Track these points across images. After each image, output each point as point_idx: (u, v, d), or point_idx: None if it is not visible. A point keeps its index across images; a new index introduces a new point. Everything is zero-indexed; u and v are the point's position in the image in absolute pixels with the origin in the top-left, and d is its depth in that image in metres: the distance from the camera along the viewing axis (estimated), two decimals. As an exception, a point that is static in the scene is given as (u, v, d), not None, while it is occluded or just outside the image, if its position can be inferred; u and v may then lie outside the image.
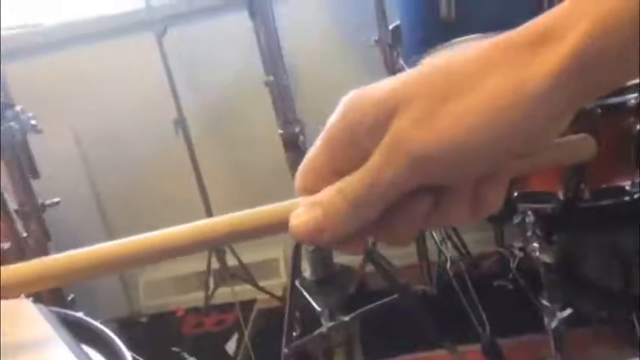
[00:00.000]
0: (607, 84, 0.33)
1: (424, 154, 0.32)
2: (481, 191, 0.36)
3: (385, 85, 0.34)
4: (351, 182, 0.34)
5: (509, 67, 0.32)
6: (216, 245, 0.39)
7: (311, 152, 0.36)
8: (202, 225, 0.38)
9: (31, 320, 0.53)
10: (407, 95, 0.33)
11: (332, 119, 0.35)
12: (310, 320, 1.76)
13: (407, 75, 0.34)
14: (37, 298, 0.62)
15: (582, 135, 0.39)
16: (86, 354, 0.48)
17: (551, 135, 0.34)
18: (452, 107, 0.32)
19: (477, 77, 0.32)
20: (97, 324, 0.54)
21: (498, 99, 0.31)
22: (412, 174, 0.33)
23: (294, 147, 1.70)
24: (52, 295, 1.56)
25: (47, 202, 1.60)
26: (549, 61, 0.31)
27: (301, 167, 0.37)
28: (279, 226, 0.37)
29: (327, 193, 0.35)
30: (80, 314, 0.57)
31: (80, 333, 0.54)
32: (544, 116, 0.32)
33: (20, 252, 1.52)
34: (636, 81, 1.06)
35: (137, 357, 0.60)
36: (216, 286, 2.29)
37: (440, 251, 2.08)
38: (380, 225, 0.36)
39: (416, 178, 0.33)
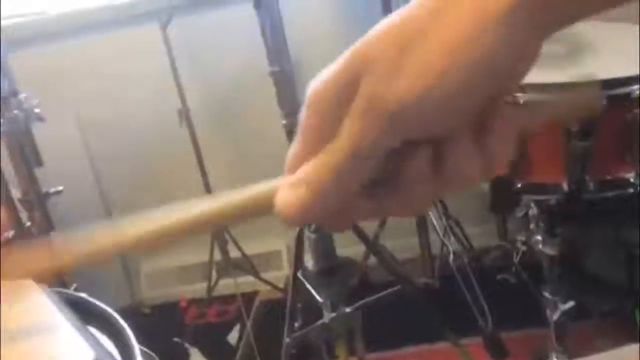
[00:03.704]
0: (573, 10, 0.32)
1: (398, 108, 0.31)
2: (485, 144, 0.34)
3: (341, 57, 0.33)
4: (331, 152, 0.33)
5: (465, 1, 0.30)
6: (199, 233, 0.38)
7: (291, 147, 0.36)
8: (183, 216, 0.37)
9: (36, 301, 0.53)
10: (368, 56, 0.32)
11: (302, 111, 0.35)
12: (312, 311, 1.76)
13: (364, 38, 0.33)
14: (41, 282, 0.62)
15: (586, 90, 0.38)
16: (91, 334, 0.48)
17: (522, 68, 0.33)
18: (416, 55, 0.31)
19: (435, 17, 0.31)
20: (101, 304, 0.54)
21: (459, 35, 0.30)
22: (392, 131, 0.32)
23: (298, 138, 1.69)
24: (55, 284, 1.56)
25: (51, 190, 1.60)
26: None
27: (286, 164, 0.36)
28: (265, 209, 0.36)
29: (308, 168, 0.34)
30: (84, 295, 0.57)
31: (84, 314, 0.54)
32: (508, 44, 0.30)
33: (24, 241, 1.52)
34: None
35: (140, 347, 0.60)
36: (218, 277, 2.29)
37: (443, 244, 2.08)
38: (389, 194, 0.35)
39: (397, 135, 0.32)
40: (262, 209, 0.36)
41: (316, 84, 0.34)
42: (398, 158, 0.34)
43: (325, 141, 0.33)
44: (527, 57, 0.32)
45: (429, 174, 0.34)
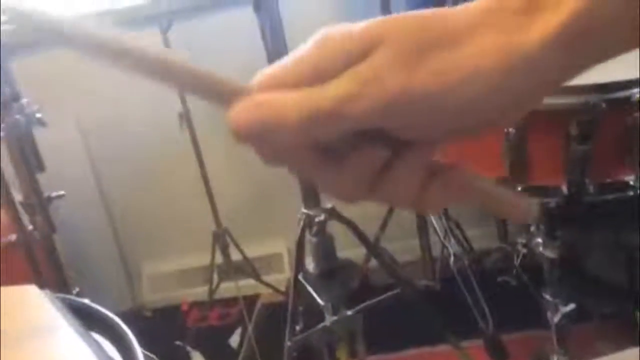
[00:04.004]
0: (597, 55, 0.33)
1: (402, 96, 0.31)
2: (430, 181, 0.35)
3: (368, 21, 0.33)
4: (312, 95, 0.32)
5: (500, 28, 0.31)
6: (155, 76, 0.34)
7: (277, 64, 0.34)
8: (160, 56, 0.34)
9: (38, 306, 0.53)
10: (390, 34, 0.32)
11: (306, 43, 0.33)
12: (314, 314, 1.76)
13: (395, 17, 0.33)
14: (42, 288, 0.62)
15: (524, 199, 0.38)
16: (93, 339, 0.48)
17: (525, 107, 0.33)
18: (436, 59, 0.31)
19: (468, 33, 0.31)
20: (103, 310, 0.54)
21: (485, 57, 0.31)
22: (383, 112, 0.31)
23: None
24: (56, 287, 1.56)
25: (53, 194, 1.60)
26: (542, 27, 0.31)
27: (263, 72, 0.34)
28: (224, 100, 0.34)
29: (281, 96, 0.32)
30: (86, 300, 0.57)
31: (86, 319, 0.54)
32: (529, 82, 0.32)
33: (26, 245, 1.53)
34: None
35: (142, 350, 0.60)
36: (220, 280, 2.29)
37: (443, 246, 2.08)
38: (328, 163, 0.34)
39: (384, 118, 0.32)
40: (217, 100, 0.34)
41: (331, 29, 0.33)
42: (358, 141, 0.33)
43: (309, 81, 0.32)
44: (539, 98, 0.33)
45: (373, 172, 0.34)
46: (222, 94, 0.34)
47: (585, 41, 0.31)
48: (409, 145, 0.34)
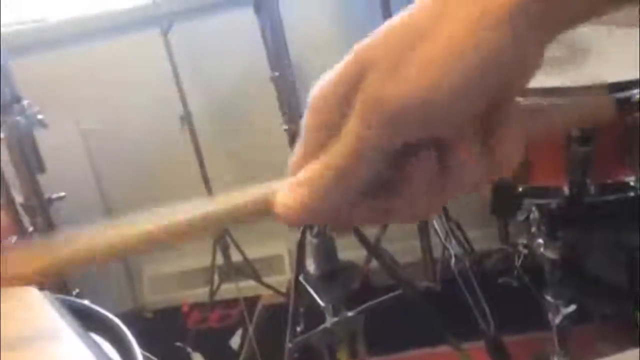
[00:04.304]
0: (575, 12, 0.32)
1: (398, 108, 0.31)
2: (492, 148, 0.34)
3: (344, 60, 0.33)
4: (333, 152, 0.33)
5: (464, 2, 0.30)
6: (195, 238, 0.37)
7: (294, 151, 0.35)
8: (182, 217, 0.37)
9: (38, 308, 0.53)
10: (369, 57, 0.32)
11: (304, 114, 0.35)
12: (314, 315, 1.76)
13: (366, 40, 0.33)
14: (43, 289, 0.62)
15: (597, 96, 0.37)
16: (94, 341, 0.48)
17: (525, 71, 0.33)
18: (418, 56, 0.31)
19: (437, 19, 0.31)
20: (103, 311, 0.54)
21: (462, 35, 0.30)
22: (393, 132, 0.32)
23: (299, 143, 1.69)
24: (56, 289, 1.56)
25: (53, 196, 1.60)
26: None
27: (289, 167, 0.36)
28: (265, 211, 0.35)
29: (310, 168, 0.34)
30: (86, 302, 0.57)
31: (87, 321, 0.54)
32: (511, 44, 0.30)
33: (24, 245, 1.53)
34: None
35: (142, 351, 0.60)
36: (221, 282, 2.29)
37: (444, 247, 2.08)
38: (392, 197, 0.35)
39: (399, 136, 0.32)
40: (262, 210, 0.36)
41: (318, 86, 0.34)
42: (402, 160, 0.34)
43: (326, 142, 0.33)
44: (531, 59, 0.32)
45: (434, 177, 0.34)
46: (261, 206, 0.36)
47: None
48: (445, 135, 0.34)
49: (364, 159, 0.32)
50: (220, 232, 2.19)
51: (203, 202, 0.38)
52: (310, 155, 0.34)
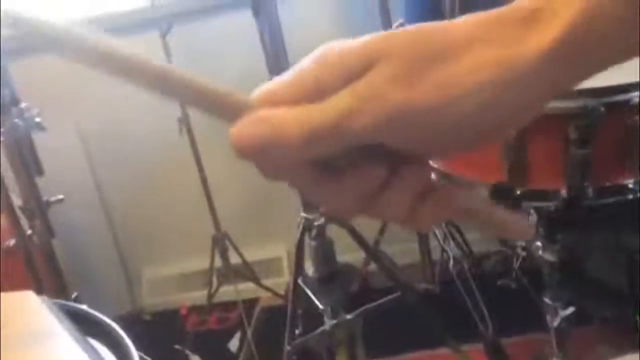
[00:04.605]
0: (594, 66, 0.33)
1: (403, 110, 0.31)
2: (422, 198, 0.35)
3: (367, 37, 0.33)
4: (312, 112, 0.32)
5: (498, 41, 0.32)
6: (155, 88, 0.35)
7: (277, 79, 0.34)
8: (162, 68, 0.34)
9: (36, 312, 0.53)
10: (390, 50, 0.32)
11: (306, 59, 0.34)
12: (313, 318, 1.76)
13: (393, 32, 0.33)
14: (41, 294, 0.62)
15: (519, 217, 0.39)
16: (91, 346, 0.48)
17: (525, 117, 0.34)
18: (437, 72, 0.31)
19: (465, 46, 0.32)
20: (100, 316, 0.54)
21: (484, 70, 0.31)
22: (384, 127, 0.32)
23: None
24: (55, 292, 1.56)
25: (52, 199, 1.60)
26: (539, 40, 0.31)
27: (263, 87, 0.34)
28: (224, 115, 0.34)
29: (282, 113, 0.33)
30: (84, 307, 0.57)
31: (84, 325, 0.54)
32: (527, 94, 0.32)
33: (25, 249, 1.53)
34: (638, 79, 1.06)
35: (140, 354, 0.60)
36: (219, 284, 2.29)
37: (443, 250, 2.08)
38: (327, 179, 0.35)
39: (385, 133, 0.32)
40: (218, 109, 0.35)
41: (331, 45, 0.34)
42: (360, 155, 0.34)
43: (309, 97, 0.33)
44: (536, 109, 0.34)
45: (370, 189, 0.34)
46: (222, 107, 0.35)
47: (582, 53, 0.31)
48: (406, 162, 0.34)
49: (338, 134, 0.32)
50: (221, 235, 2.19)
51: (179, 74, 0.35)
52: (286, 95, 0.33)
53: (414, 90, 0.31)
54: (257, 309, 2.37)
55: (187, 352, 2.15)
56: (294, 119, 0.32)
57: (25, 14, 0.33)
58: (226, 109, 0.34)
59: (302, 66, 0.34)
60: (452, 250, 2.05)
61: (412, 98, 0.31)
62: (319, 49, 0.34)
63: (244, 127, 0.33)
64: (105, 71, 0.34)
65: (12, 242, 1.52)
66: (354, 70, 0.32)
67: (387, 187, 0.34)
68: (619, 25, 0.30)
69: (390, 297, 1.76)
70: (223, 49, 2.23)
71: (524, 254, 1.76)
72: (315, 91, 0.33)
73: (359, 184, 0.34)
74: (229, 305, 2.34)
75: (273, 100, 0.33)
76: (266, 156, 0.33)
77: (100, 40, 0.34)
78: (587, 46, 0.31)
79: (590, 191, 1.16)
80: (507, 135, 0.36)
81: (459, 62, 0.31)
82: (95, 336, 0.54)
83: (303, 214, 1.70)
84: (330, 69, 0.33)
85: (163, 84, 0.35)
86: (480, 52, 0.31)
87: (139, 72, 0.35)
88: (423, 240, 2.15)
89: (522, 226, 0.39)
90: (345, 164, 0.34)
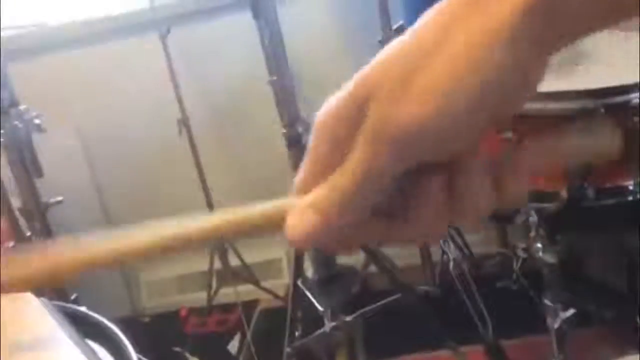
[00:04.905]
0: (576, 26, 0.32)
1: (405, 131, 0.31)
2: (499, 178, 0.34)
3: (349, 83, 0.34)
4: (340, 177, 0.33)
5: (470, 19, 0.30)
6: (207, 244, 0.38)
7: (299, 172, 0.36)
8: (192, 225, 0.38)
9: (35, 315, 0.53)
10: (373, 81, 0.32)
11: (311, 136, 0.35)
12: (313, 320, 1.76)
13: (372, 62, 0.33)
14: (40, 295, 0.62)
15: (607, 127, 0.38)
16: (90, 349, 0.48)
17: (528, 86, 0.32)
18: (422, 78, 0.31)
19: (440, 41, 0.31)
20: (100, 318, 0.54)
21: (465, 56, 0.30)
22: (399, 155, 0.32)
23: (298, 147, 1.70)
24: (55, 293, 1.56)
25: (51, 201, 1.60)
26: (510, 1, 0.30)
27: (295, 188, 0.36)
28: (274, 228, 0.36)
29: (319, 192, 0.34)
30: (83, 308, 0.57)
31: (83, 327, 0.54)
32: (514, 62, 0.30)
33: (23, 250, 1.52)
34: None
35: (140, 356, 0.60)
36: (219, 286, 2.29)
37: (443, 251, 2.08)
38: (399, 220, 0.35)
39: (405, 159, 0.32)
40: (268, 228, 0.36)
41: (324, 110, 0.34)
42: (410, 183, 0.34)
43: (334, 166, 0.34)
44: (534, 74, 0.32)
45: (441, 202, 0.34)
46: (275, 222, 0.36)
47: (562, 5, 0.30)
48: (456, 157, 0.34)
49: (370, 183, 0.33)
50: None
51: (208, 215, 0.38)
52: (316, 177, 0.35)
53: (402, 111, 0.31)
54: (257, 311, 2.36)
55: (187, 354, 2.15)
56: (328, 192, 0.34)
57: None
58: (279, 222, 0.36)
59: (312, 144, 0.35)
60: (452, 252, 2.04)
61: (404, 119, 0.31)
62: (316, 121, 0.35)
63: (292, 224, 0.35)
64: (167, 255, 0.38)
65: (11, 243, 1.52)
66: (355, 119, 0.33)
67: (455, 185, 0.34)
68: None
69: (390, 299, 1.76)
70: (223, 50, 2.24)
71: (524, 255, 1.76)
72: (336, 158, 0.34)
73: (427, 200, 0.34)
74: (228, 307, 2.34)
75: (307, 189, 0.35)
76: (327, 237, 0.35)
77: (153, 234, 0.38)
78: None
79: (590, 192, 1.16)
80: (520, 106, 0.34)
81: (432, 63, 0.31)
82: (94, 338, 0.54)
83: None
84: (334, 132, 0.34)
85: (212, 237, 0.39)
86: (450, 43, 0.30)
87: (185, 243, 0.38)
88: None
89: (609, 137, 0.38)
90: (402, 196, 0.34)
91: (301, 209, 0.35)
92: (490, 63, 0.30)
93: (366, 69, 0.33)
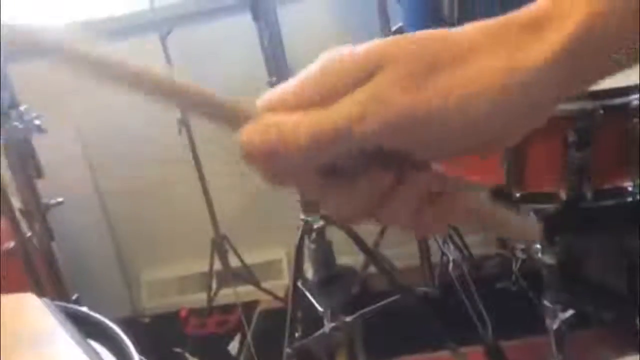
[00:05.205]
0: (599, 72, 0.33)
1: (408, 116, 0.31)
2: (430, 208, 0.36)
3: (371, 43, 0.34)
4: (318, 117, 0.33)
5: (504, 48, 0.32)
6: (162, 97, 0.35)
7: (281, 86, 0.35)
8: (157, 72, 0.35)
9: (37, 314, 0.53)
10: (395, 54, 0.32)
11: (310, 66, 0.34)
12: (313, 321, 1.76)
13: (397, 38, 0.33)
14: (42, 295, 0.62)
15: (528, 217, 0.40)
16: (92, 348, 0.48)
17: (527, 126, 0.34)
18: (443, 77, 0.32)
19: (471, 52, 0.32)
20: (102, 318, 0.54)
21: (490, 77, 0.31)
22: (389, 132, 0.32)
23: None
24: (56, 294, 1.56)
25: (51, 201, 1.60)
26: (544, 46, 0.31)
27: (269, 93, 0.35)
28: (230, 122, 0.35)
29: (289, 119, 0.33)
30: (84, 309, 0.57)
31: (85, 327, 0.54)
32: (531, 100, 0.32)
33: (24, 252, 1.52)
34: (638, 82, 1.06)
35: (140, 357, 0.60)
36: (219, 287, 2.29)
37: (442, 253, 2.08)
38: (334, 185, 0.35)
39: (390, 138, 0.32)
40: (224, 120, 0.35)
41: (335, 51, 0.34)
42: (367, 161, 0.34)
43: (314, 103, 0.33)
44: (543, 114, 0.34)
45: (378, 194, 0.35)
46: (228, 115, 0.35)
47: (587, 59, 0.32)
48: (412, 167, 0.35)
49: (345, 141, 0.32)
50: (219, 239, 2.19)
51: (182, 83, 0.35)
52: (292, 102, 0.34)
53: (417, 96, 0.31)
54: (257, 312, 2.36)
55: (187, 354, 2.15)
56: (300, 125, 0.33)
57: (22, 27, 0.33)
58: (232, 117, 0.35)
59: (307, 73, 0.34)
60: (451, 253, 2.05)
61: (416, 104, 0.31)
62: (323, 56, 0.34)
63: (253, 133, 0.34)
64: (100, 78, 0.34)
65: (11, 244, 1.52)
66: (359, 76, 0.33)
67: (393, 192, 0.35)
68: (626, 31, 0.31)
69: (389, 299, 1.76)
70: (223, 52, 2.24)
71: (523, 256, 1.76)
72: (321, 97, 0.33)
73: (366, 189, 0.35)
74: (228, 308, 2.34)
75: (279, 107, 0.34)
76: (274, 161, 0.34)
77: (95, 48, 0.34)
78: (592, 52, 0.31)
79: (589, 194, 1.16)
80: (511, 142, 0.35)
81: (463, 68, 0.32)
82: (96, 338, 0.54)
83: (303, 217, 1.70)
84: (335, 75, 0.33)
85: (165, 90, 0.35)
86: (486, 59, 0.32)
87: (139, 79, 0.35)
88: (422, 243, 2.15)
89: (527, 226, 0.39)
90: (351, 169, 0.34)
91: (266, 124, 0.33)
92: (509, 95, 0.32)
93: (389, 40, 0.33)
